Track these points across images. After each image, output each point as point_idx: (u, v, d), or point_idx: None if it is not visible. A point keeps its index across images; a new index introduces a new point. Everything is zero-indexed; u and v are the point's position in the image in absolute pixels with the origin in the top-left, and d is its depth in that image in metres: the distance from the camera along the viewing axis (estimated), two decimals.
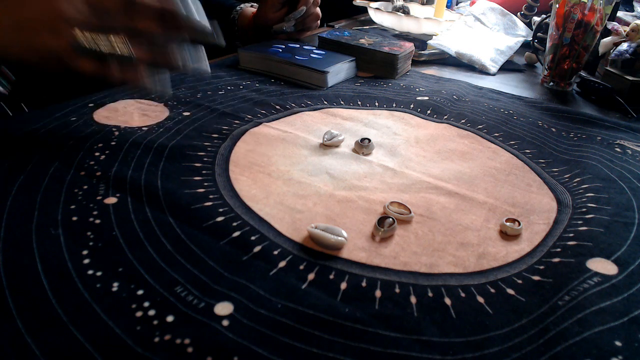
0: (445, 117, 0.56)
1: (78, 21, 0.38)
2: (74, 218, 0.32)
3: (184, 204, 0.34)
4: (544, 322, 0.26)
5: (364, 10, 1.01)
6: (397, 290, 0.28)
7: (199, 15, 0.45)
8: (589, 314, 0.27)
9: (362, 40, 0.71)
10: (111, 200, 0.34)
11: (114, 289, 0.26)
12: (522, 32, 0.95)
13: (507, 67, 0.81)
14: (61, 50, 0.38)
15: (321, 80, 0.61)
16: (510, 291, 0.29)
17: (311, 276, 0.29)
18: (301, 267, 0.29)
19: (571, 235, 0.35)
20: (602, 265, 0.31)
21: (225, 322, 0.25)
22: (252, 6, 0.85)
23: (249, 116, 0.50)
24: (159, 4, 0.40)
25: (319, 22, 0.83)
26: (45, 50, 0.38)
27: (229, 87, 0.58)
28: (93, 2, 0.39)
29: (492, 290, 0.29)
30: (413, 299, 0.28)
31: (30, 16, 0.38)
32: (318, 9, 0.80)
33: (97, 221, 0.31)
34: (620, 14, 0.89)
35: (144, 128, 0.45)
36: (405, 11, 0.97)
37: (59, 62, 0.39)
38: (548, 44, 0.71)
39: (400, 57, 0.68)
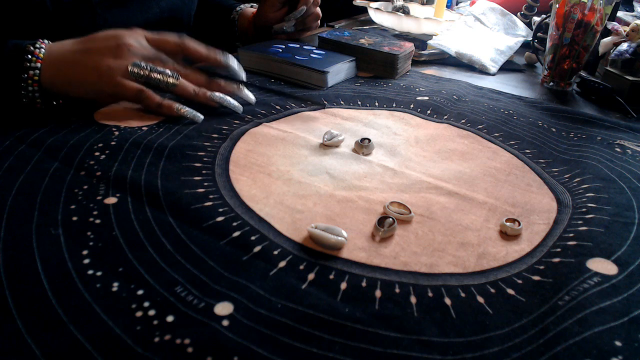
0: (445, 117, 0.56)
1: (139, 51, 0.47)
2: (74, 218, 0.32)
3: (184, 204, 0.34)
4: (544, 322, 0.26)
5: (364, 10, 1.01)
6: (397, 290, 0.28)
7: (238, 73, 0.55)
8: (589, 314, 0.27)
9: (362, 40, 0.71)
10: (111, 200, 0.34)
11: (114, 289, 0.26)
12: (522, 32, 0.95)
13: (507, 67, 0.81)
14: (118, 70, 0.45)
15: (321, 80, 0.61)
16: (510, 291, 0.29)
17: (311, 276, 0.29)
18: (301, 267, 0.29)
19: (571, 235, 0.35)
20: (602, 265, 0.31)
21: (225, 322, 0.25)
22: (252, 6, 0.85)
23: (249, 116, 0.50)
24: (206, 52, 0.51)
25: (319, 22, 0.83)
26: (104, 69, 0.44)
27: None
28: (155, 42, 0.49)
29: (492, 290, 0.29)
30: (413, 299, 0.28)
31: (100, 45, 0.46)
32: (318, 9, 0.80)
33: (97, 221, 0.31)
34: (620, 14, 0.89)
35: (144, 128, 0.45)
36: (405, 11, 0.97)
37: (110, 85, 0.45)
38: (548, 44, 0.71)
39: (400, 57, 0.68)
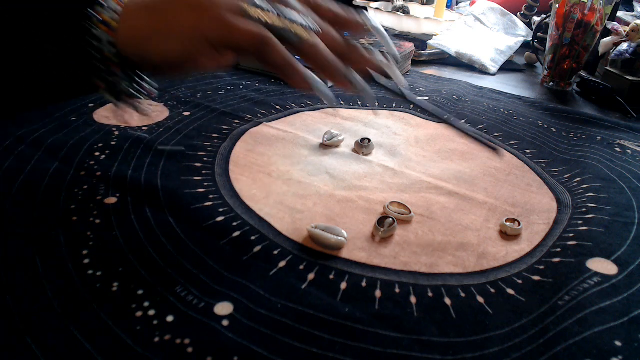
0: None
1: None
2: (74, 218, 0.32)
3: (184, 204, 0.34)
4: (544, 322, 0.26)
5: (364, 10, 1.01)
6: (397, 290, 0.28)
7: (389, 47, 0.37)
8: (589, 314, 0.27)
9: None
10: (111, 200, 0.34)
11: (114, 289, 0.26)
12: (522, 32, 0.95)
13: (507, 67, 0.81)
14: (228, 7, 0.29)
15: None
16: (510, 291, 0.29)
17: (311, 276, 0.29)
18: (301, 267, 0.29)
19: (571, 235, 0.35)
20: (602, 265, 0.31)
21: (225, 322, 0.25)
22: None
23: (249, 116, 0.50)
24: (343, 12, 0.34)
25: None
26: (207, 4, 0.28)
27: (229, 87, 0.58)
28: None
29: (492, 290, 0.29)
30: (413, 299, 0.28)
31: None
32: None
33: (97, 221, 0.31)
34: (620, 14, 0.89)
35: (144, 128, 0.45)
36: (405, 11, 0.97)
37: (217, 27, 0.28)
38: (548, 44, 0.71)
39: (400, 57, 0.68)
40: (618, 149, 0.51)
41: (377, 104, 0.58)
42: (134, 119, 0.46)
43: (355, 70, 0.33)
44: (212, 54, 0.30)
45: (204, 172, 0.39)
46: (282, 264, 0.29)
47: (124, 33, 0.28)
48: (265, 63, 0.30)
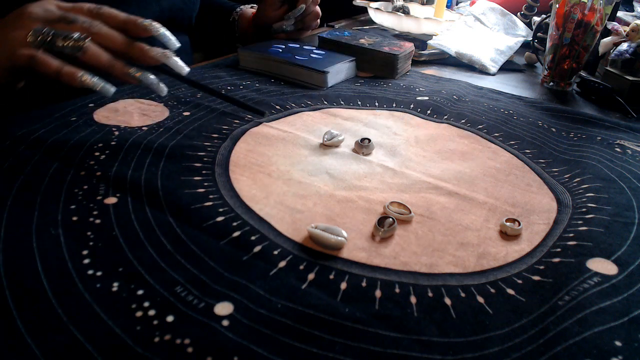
0: (445, 117, 0.56)
1: (42, 17, 0.39)
2: (74, 218, 0.32)
3: (184, 204, 0.34)
4: (544, 322, 0.27)
5: (364, 10, 1.01)
6: (397, 290, 0.28)
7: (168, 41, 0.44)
8: (589, 314, 0.27)
9: (362, 40, 0.71)
10: (111, 200, 0.34)
11: (114, 289, 0.26)
12: (522, 32, 0.95)
13: (507, 67, 0.81)
14: (16, 40, 0.38)
15: (321, 80, 0.61)
16: (510, 291, 0.29)
17: (311, 276, 0.29)
18: (301, 267, 0.29)
19: (571, 235, 0.35)
20: (602, 265, 0.31)
21: (225, 322, 0.25)
22: (251, 7, 0.85)
23: (249, 116, 0.50)
24: (125, 17, 0.42)
25: (318, 21, 0.83)
26: (2, 41, 0.38)
27: (229, 87, 0.58)
28: (66, 8, 0.41)
29: (492, 290, 0.29)
30: (413, 299, 0.28)
31: None
32: (317, 8, 0.80)
33: (97, 221, 0.31)
34: (620, 14, 0.89)
35: (144, 128, 0.45)
36: (405, 11, 0.97)
37: (6, 57, 0.38)
38: (548, 44, 0.71)
39: (400, 57, 0.68)
40: (618, 149, 0.51)
41: (377, 104, 0.58)
42: (134, 119, 0.46)
43: (139, 63, 0.41)
44: (11, 75, 0.40)
45: (204, 172, 0.39)
46: (282, 264, 0.29)
47: None
48: (42, 76, 0.38)
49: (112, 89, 0.40)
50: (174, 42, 0.44)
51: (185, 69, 0.43)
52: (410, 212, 0.36)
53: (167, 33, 0.43)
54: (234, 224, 0.33)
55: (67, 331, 0.23)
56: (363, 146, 0.45)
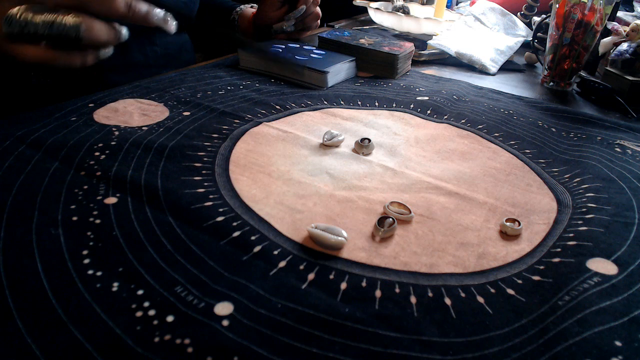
0: (445, 117, 0.56)
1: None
2: (74, 218, 0.32)
3: (184, 204, 0.34)
4: (544, 322, 0.26)
5: (364, 10, 1.01)
6: (397, 290, 0.28)
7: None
8: (589, 314, 0.27)
9: (362, 40, 0.71)
10: (111, 200, 0.34)
11: (114, 289, 0.26)
12: (522, 32, 0.95)
13: (507, 67, 0.81)
14: None
15: (321, 80, 0.61)
16: (510, 291, 0.29)
17: (311, 276, 0.29)
18: (301, 267, 0.29)
19: (571, 235, 0.35)
20: (602, 265, 0.31)
21: (225, 322, 0.25)
22: (251, 7, 0.85)
23: (249, 116, 0.50)
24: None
25: (318, 21, 0.83)
26: None
27: (229, 87, 0.58)
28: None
29: (492, 290, 0.29)
30: (413, 299, 0.28)
31: None
32: (318, 8, 0.80)
33: (97, 221, 0.31)
34: (620, 14, 0.89)
35: (144, 128, 0.45)
36: (405, 11, 0.97)
37: None
38: (548, 44, 0.71)
39: (400, 57, 0.68)
40: (618, 149, 0.51)
41: (377, 104, 0.58)
42: (134, 119, 0.46)
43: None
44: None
45: (204, 172, 0.39)
46: (282, 264, 0.29)
47: None
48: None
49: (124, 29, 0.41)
50: (161, 15, 0.44)
51: (173, 28, 0.45)
52: (410, 212, 0.36)
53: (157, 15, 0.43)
54: (234, 224, 0.33)
55: (67, 331, 0.23)
56: (363, 146, 0.45)
